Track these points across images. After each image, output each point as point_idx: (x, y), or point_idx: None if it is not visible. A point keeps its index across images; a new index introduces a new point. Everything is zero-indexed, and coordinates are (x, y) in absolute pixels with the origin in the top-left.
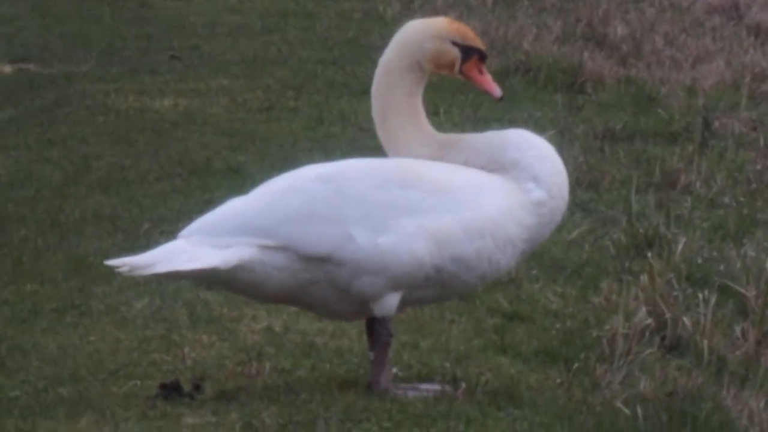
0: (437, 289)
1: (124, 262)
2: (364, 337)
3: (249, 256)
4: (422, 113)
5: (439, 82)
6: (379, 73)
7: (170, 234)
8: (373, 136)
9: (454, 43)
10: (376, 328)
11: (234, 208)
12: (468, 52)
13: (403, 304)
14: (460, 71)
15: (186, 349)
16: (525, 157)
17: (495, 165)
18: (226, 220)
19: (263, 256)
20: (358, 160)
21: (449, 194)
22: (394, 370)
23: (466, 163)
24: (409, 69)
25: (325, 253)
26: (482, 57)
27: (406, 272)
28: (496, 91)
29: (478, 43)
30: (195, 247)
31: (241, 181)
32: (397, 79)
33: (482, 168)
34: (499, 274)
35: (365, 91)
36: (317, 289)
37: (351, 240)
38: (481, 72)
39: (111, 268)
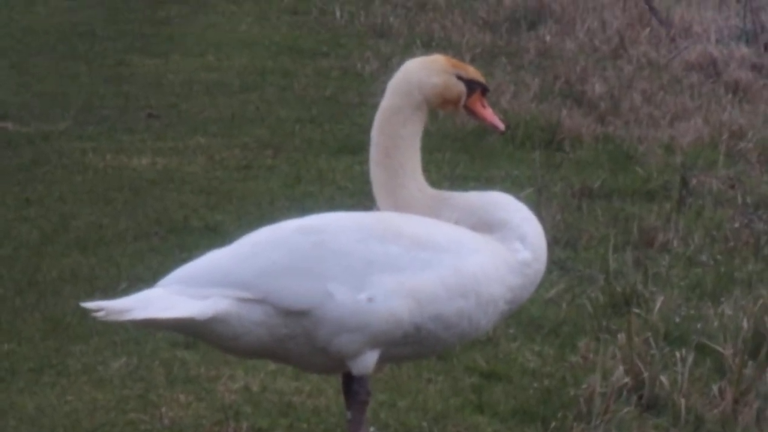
0: (415, 347)
1: (99, 306)
2: (342, 397)
3: (226, 308)
4: (419, 161)
5: None
6: (383, 115)
7: None
8: (351, 194)
9: (459, 78)
10: (354, 387)
11: (213, 259)
12: (472, 86)
13: (381, 362)
14: (464, 106)
15: (163, 409)
16: (513, 218)
17: (482, 225)
18: (205, 271)
19: (241, 309)
20: (338, 214)
21: (430, 250)
22: (372, 429)
23: (457, 222)
24: (417, 107)
25: (304, 308)
26: (484, 91)
27: (384, 330)
28: (500, 124)
29: (480, 77)
30: (172, 296)
31: (218, 239)
32: (404, 119)
33: (470, 228)
34: (477, 334)
35: (342, 149)
36: (294, 344)
37: (330, 296)
38: (484, 106)
39: (88, 328)
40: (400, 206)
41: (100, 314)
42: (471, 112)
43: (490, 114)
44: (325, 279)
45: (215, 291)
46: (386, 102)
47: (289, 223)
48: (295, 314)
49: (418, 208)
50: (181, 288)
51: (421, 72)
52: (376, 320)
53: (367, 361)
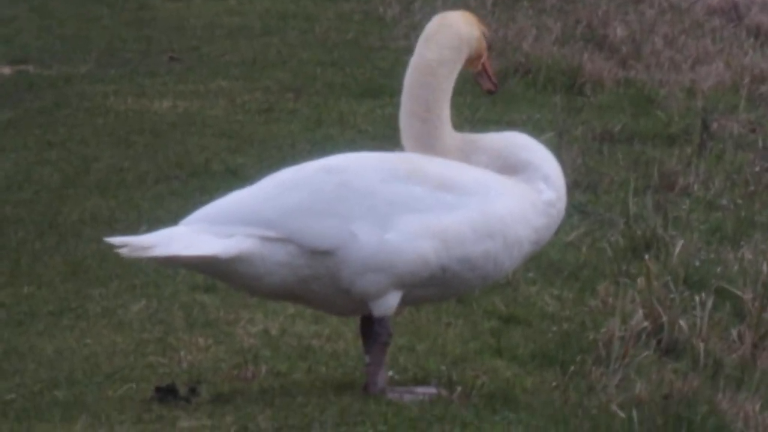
0: (438, 288)
1: (123, 242)
2: (360, 340)
3: (250, 248)
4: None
5: None
6: (428, 68)
7: None
8: (372, 137)
9: (483, 35)
10: (375, 328)
11: (236, 198)
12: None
13: (402, 304)
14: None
15: (182, 353)
16: (536, 158)
17: (508, 166)
18: (229, 210)
19: (264, 249)
20: (362, 153)
21: (457, 192)
22: (390, 373)
23: (485, 166)
24: (461, 61)
25: (329, 247)
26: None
27: (411, 270)
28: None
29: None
30: (196, 234)
31: (239, 183)
32: (449, 72)
33: (497, 169)
34: (501, 275)
35: (364, 93)
36: (318, 285)
37: (354, 236)
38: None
39: (108, 271)
40: (433, 153)
41: (123, 250)
42: (484, 69)
43: (494, 74)
44: (349, 219)
45: (239, 230)
46: (432, 54)
47: (313, 163)
48: (319, 254)
49: (450, 154)
50: (204, 226)
51: (468, 27)
52: (402, 261)
53: (390, 302)
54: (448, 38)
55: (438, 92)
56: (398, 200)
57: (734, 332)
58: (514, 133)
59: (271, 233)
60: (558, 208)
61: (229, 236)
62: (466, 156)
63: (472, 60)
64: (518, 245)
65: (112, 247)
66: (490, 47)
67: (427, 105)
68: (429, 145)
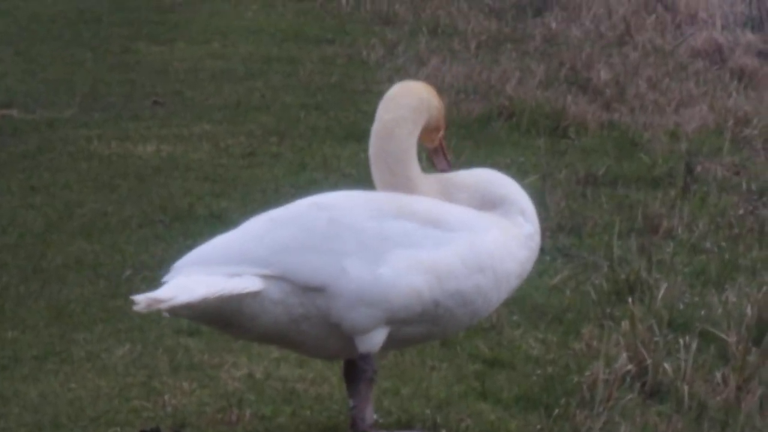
0: (427, 325)
1: (141, 300)
2: (344, 385)
3: (257, 285)
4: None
5: None
6: (386, 127)
7: (152, 281)
8: (356, 181)
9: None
10: (360, 365)
11: (230, 238)
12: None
13: (388, 345)
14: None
15: (166, 396)
16: (510, 193)
17: (486, 202)
18: (224, 250)
19: (264, 286)
20: (351, 192)
21: (445, 228)
22: (375, 416)
23: (466, 202)
24: (419, 123)
25: (321, 283)
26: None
27: (404, 305)
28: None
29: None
30: (207, 277)
31: (223, 227)
32: (408, 132)
33: (477, 206)
34: (488, 312)
35: (348, 137)
36: (308, 325)
37: (347, 271)
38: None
39: (92, 316)
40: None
41: (139, 307)
42: (440, 145)
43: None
44: (341, 254)
45: (237, 269)
46: (389, 115)
47: (303, 200)
48: (311, 291)
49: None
50: (202, 268)
51: (428, 93)
52: (396, 295)
53: (376, 338)
54: (407, 98)
55: (399, 153)
56: (389, 236)
57: (718, 375)
58: (482, 169)
59: (267, 271)
60: (536, 241)
61: (234, 275)
62: (447, 196)
63: (429, 131)
64: (506, 279)
65: (96, 291)
66: (446, 126)
67: (391, 170)
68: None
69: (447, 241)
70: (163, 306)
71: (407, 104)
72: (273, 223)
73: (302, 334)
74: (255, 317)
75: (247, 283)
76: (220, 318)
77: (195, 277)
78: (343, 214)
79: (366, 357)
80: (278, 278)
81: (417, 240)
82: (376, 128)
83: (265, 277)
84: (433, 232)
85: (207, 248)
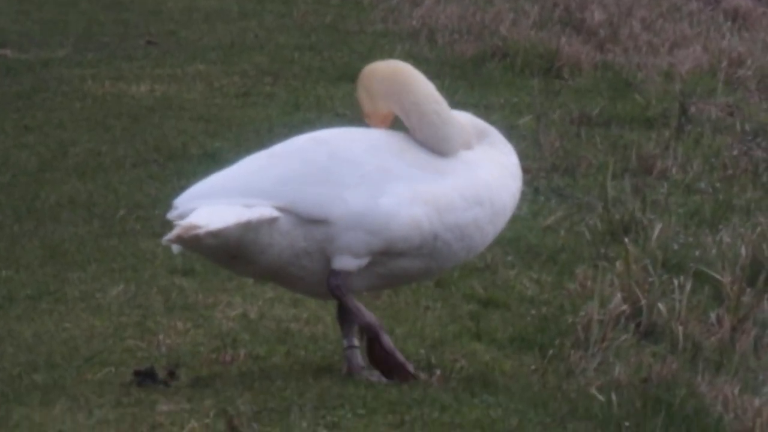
0: (424, 260)
1: (177, 226)
2: (338, 326)
3: (275, 212)
4: None
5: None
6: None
7: (146, 220)
8: (350, 121)
9: None
10: (330, 282)
11: (232, 172)
12: None
13: (385, 279)
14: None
15: (161, 336)
16: (487, 124)
17: (478, 133)
18: (227, 184)
19: (273, 218)
20: (347, 128)
21: (445, 168)
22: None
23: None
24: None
25: (324, 215)
26: None
27: (403, 235)
28: None
29: None
30: (234, 206)
31: (217, 166)
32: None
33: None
34: (483, 247)
35: (341, 77)
36: (308, 260)
37: (350, 200)
38: None
39: (86, 255)
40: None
41: (174, 234)
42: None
43: None
44: (342, 187)
45: (246, 201)
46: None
47: (303, 135)
48: (315, 223)
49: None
50: (215, 201)
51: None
52: (396, 224)
53: (355, 262)
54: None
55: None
56: (389, 169)
57: (713, 315)
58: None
59: (273, 202)
60: (520, 171)
61: (250, 205)
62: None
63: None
64: (502, 212)
65: (90, 230)
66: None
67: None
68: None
69: (446, 175)
70: (200, 231)
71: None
72: (274, 158)
73: (302, 269)
74: (263, 249)
75: (266, 210)
76: (236, 249)
77: (221, 205)
78: (342, 147)
79: (337, 273)
80: (284, 210)
81: (416, 174)
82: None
83: (276, 207)
84: (431, 166)
85: (209, 183)
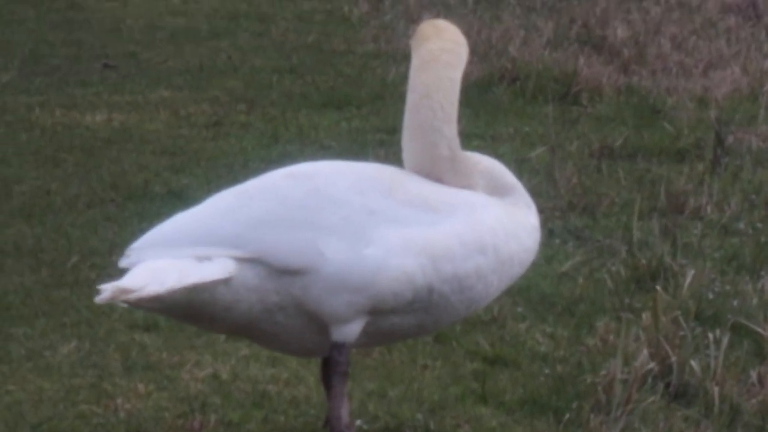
0: (417, 316)
1: (107, 289)
2: (322, 387)
3: (232, 270)
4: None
5: None
6: (431, 54)
7: (102, 268)
8: (337, 154)
9: None
10: (334, 356)
11: (193, 215)
12: None
13: (374, 337)
14: None
15: (119, 400)
16: (519, 184)
17: (497, 188)
18: (190, 229)
19: (238, 271)
20: (333, 161)
21: (441, 207)
22: (359, 422)
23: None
24: (462, 58)
25: (300, 265)
26: None
27: (393, 291)
28: None
29: None
30: (180, 262)
31: (183, 207)
32: (451, 61)
33: (489, 191)
34: (486, 301)
35: (327, 104)
36: (283, 316)
37: (330, 250)
38: None
39: (33, 308)
40: (432, 164)
41: (102, 298)
42: None
43: None
44: (321, 231)
45: (207, 251)
46: (433, 45)
47: (278, 170)
48: (288, 275)
49: (449, 167)
50: (166, 251)
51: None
52: (384, 279)
53: (353, 328)
54: (448, 31)
55: (440, 80)
56: (377, 211)
57: (753, 374)
58: (483, 155)
59: (239, 252)
60: (538, 238)
61: (205, 258)
62: (466, 175)
63: None
64: (509, 262)
65: (38, 280)
66: None
67: (427, 92)
68: (426, 146)
69: (444, 220)
70: (131, 297)
71: (450, 37)
72: (244, 197)
73: (277, 325)
74: (228, 308)
75: (221, 268)
76: (190, 309)
77: (163, 262)
78: (324, 183)
79: (340, 347)
80: (252, 260)
81: (409, 218)
82: (418, 61)
83: (238, 259)
84: (428, 211)
85: (168, 226)
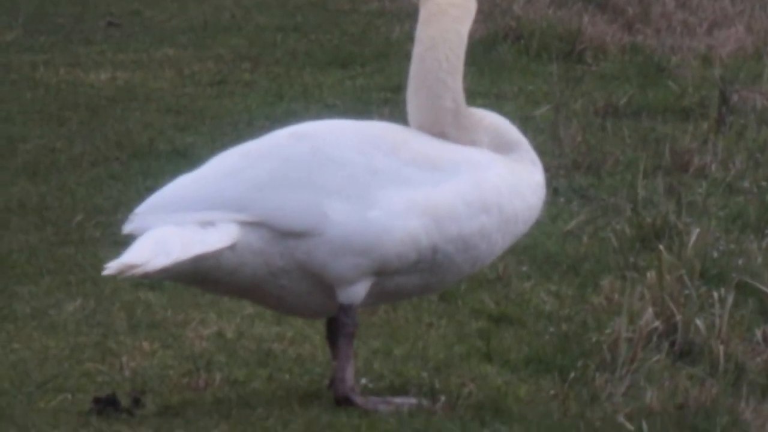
0: (422, 276)
1: (113, 266)
2: (327, 345)
3: (236, 235)
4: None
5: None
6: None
7: (107, 226)
8: (341, 113)
9: None
10: (340, 318)
11: (196, 178)
12: None
13: (379, 297)
14: None
15: (124, 358)
16: (524, 141)
17: (502, 144)
18: (194, 192)
19: (242, 235)
20: (336, 120)
21: (444, 166)
22: (363, 380)
23: (484, 142)
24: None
25: (304, 228)
26: None
27: (398, 253)
28: None
29: None
30: (183, 231)
31: (188, 165)
32: (459, 16)
33: (493, 147)
34: (490, 260)
35: (331, 62)
36: (288, 279)
37: (334, 212)
38: None
39: (38, 266)
40: (436, 117)
41: (110, 270)
42: None
43: None
44: (325, 193)
45: (211, 215)
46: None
47: (282, 130)
48: (293, 238)
49: (452, 120)
50: (168, 216)
51: None
52: (389, 242)
53: (359, 289)
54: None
55: (447, 32)
56: (381, 171)
57: (758, 333)
58: (489, 111)
59: (244, 216)
60: (544, 195)
61: (209, 224)
62: (471, 131)
63: None
64: (513, 220)
65: (42, 238)
66: None
67: (433, 43)
68: (431, 98)
69: (447, 179)
70: (137, 271)
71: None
72: (247, 158)
73: (282, 288)
74: (233, 272)
75: (224, 235)
76: (196, 275)
77: (168, 231)
78: (327, 143)
79: (347, 309)
80: (256, 224)
81: (413, 178)
82: (425, 14)
83: (242, 223)
84: (431, 170)
85: (172, 190)
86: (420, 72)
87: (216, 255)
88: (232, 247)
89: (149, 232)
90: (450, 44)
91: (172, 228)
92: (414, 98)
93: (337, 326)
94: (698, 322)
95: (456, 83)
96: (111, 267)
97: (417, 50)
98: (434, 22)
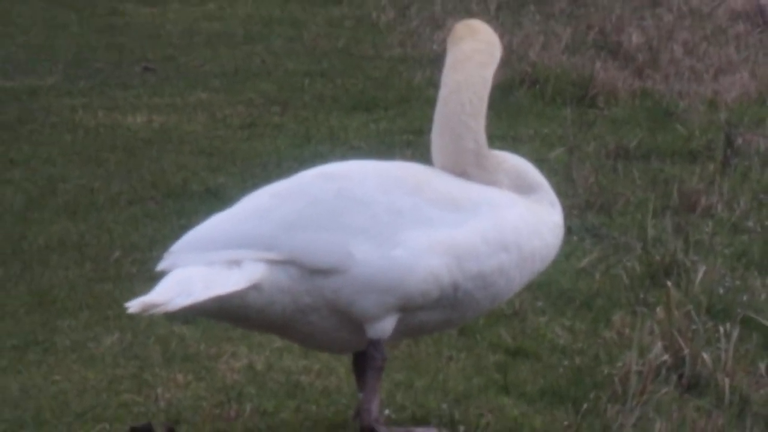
0: (444, 312)
1: (140, 304)
2: (353, 377)
3: (261, 273)
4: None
5: (433, 97)
6: (463, 53)
7: (142, 263)
8: (366, 154)
9: None
10: (370, 351)
11: (227, 217)
12: None
13: (402, 332)
14: None
15: (159, 390)
16: (545, 182)
17: (522, 186)
18: (223, 231)
19: (269, 274)
20: (362, 161)
21: (465, 206)
22: (387, 411)
23: (505, 183)
24: (494, 60)
25: (330, 266)
26: None
27: (421, 290)
28: None
29: None
30: (208, 271)
31: (220, 204)
32: (483, 62)
33: (514, 189)
34: (508, 296)
35: (356, 106)
36: (317, 316)
37: (359, 251)
38: None
39: (77, 301)
40: (457, 157)
41: (133, 309)
42: None
43: None
44: (351, 232)
45: (240, 254)
46: (467, 45)
47: (310, 170)
48: (320, 276)
49: (474, 160)
50: (199, 256)
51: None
52: (412, 280)
53: (387, 324)
54: (481, 30)
55: (471, 77)
56: (404, 212)
57: (762, 366)
58: (512, 154)
59: (272, 254)
60: (561, 236)
61: (234, 263)
62: (491, 172)
63: None
64: (531, 258)
65: (81, 274)
66: None
67: (458, 87)
68: (454, 141)
69: (468, 219)
70: (159, 310)
71: (483, 38)
72: (275, 198)
73: (311, 325)
74: (261, 310)
75: (245, 277)
76: (223, 313)
77: (192, 271)
78: (352, 185)
79: (376, 343)
80: (284, 262)
81: (435, 218)
82: (452, 60)
83: (269, 262)
84: (453, 210)
85: (204, 229)
86: (444, 114)
87: (240, 295)
88: (257, 286)
89: (174, 271)
90: (474, 88)
91: (197, 268)
92: (438, 139)
93: (367, 360)
94: (705, 355)
95: (478, 125)
96: (134, 305)
97: (442, 93)
98: (460, 67)
